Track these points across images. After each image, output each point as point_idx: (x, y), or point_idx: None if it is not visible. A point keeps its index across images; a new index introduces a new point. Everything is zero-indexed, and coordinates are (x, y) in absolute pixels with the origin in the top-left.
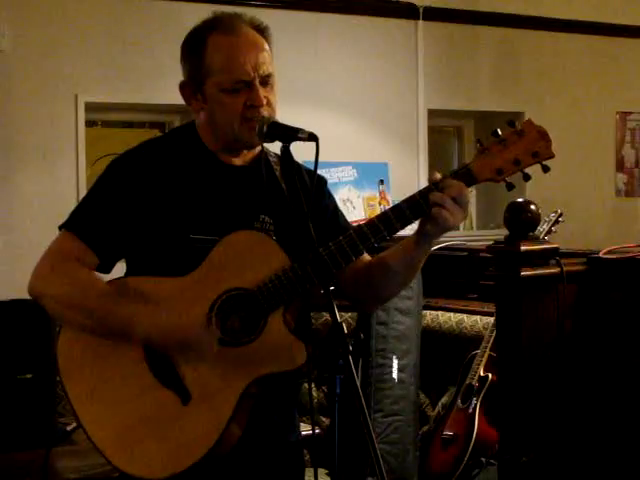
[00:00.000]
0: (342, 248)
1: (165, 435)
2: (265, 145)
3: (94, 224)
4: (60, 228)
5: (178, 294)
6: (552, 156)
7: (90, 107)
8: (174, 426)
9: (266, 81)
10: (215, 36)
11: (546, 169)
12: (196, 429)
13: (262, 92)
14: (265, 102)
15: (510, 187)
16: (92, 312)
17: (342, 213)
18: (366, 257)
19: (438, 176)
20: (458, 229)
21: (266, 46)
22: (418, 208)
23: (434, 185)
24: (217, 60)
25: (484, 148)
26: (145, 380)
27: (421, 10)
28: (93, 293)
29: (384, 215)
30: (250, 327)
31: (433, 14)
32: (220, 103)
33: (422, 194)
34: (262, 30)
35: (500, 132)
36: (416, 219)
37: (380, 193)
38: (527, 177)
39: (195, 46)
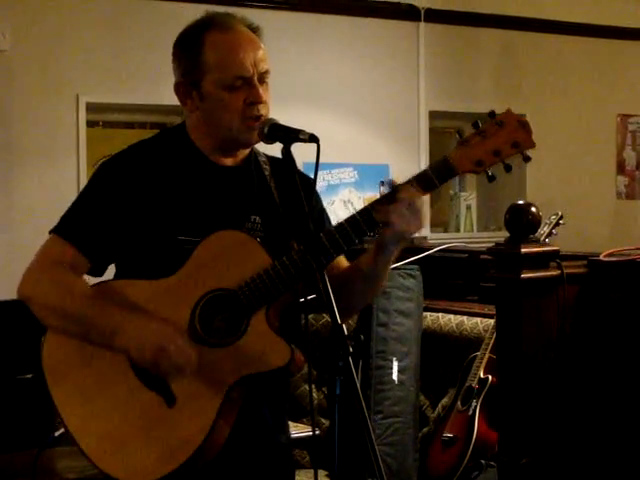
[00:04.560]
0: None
1: (151, 438)
2: (255, 146)
3: (84, 228)
4: (50, 232)
5: (162, 296)
6: (532, 146)
7: (91, 107)
8: (160, 429)
9: (263, 78)
10: (212, 34)
11: (527, 159)
12: (182, 431)
13: (260, 89)
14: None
15: (491, 179)
16: (76, 320)
17: (328, 216)
18: (343, 263)
19: (396, 183)
20: (413, 241)
21: (262, 45)
22: (369, 217)
23: (394, 188)
24: (215, 57)
25: (463, 140)
26: (130, 383)
27: (422, 12)
28: (78, 301)
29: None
30: (233, 327)
31: (434, 16)
32: (219, 100)
33: (372, 205)
34: (254, 30)
35: (480, 124)
36: (370, 230)
37: (381, 195)
38: (508, 168)
39: (191, 44)
